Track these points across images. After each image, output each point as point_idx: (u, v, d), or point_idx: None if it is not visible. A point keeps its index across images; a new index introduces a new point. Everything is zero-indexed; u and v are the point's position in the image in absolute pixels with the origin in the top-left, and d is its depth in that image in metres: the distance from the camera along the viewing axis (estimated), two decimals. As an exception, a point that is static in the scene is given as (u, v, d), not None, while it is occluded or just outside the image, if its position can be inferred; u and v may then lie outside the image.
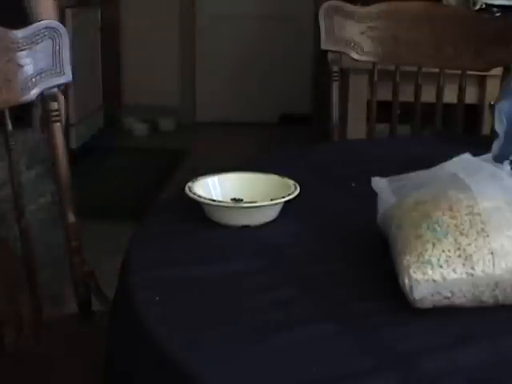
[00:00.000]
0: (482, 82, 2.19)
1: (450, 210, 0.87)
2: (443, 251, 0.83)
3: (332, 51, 1.79)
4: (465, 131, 1.90)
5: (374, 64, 1.81)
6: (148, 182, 4.21)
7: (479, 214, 0.86)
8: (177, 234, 1.07)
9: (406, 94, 1.82)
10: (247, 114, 5.47)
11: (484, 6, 2.20)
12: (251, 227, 1.06)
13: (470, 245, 0.83)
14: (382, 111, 1.84)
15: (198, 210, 1.08)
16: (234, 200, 1.10)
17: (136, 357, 0.85)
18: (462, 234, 0.84)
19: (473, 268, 0.82)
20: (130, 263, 0.98)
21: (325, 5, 1.78)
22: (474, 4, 2.21)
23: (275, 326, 0.82)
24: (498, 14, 2.17)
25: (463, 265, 0.82)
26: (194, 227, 1.07)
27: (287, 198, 1.07)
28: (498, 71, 1.81)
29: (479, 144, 1.20)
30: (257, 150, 4.63)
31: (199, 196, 1.07)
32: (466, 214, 0.86)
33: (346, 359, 0.76)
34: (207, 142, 5.20)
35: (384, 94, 1.83)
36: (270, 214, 1.08)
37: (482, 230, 0.84)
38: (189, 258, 0.99)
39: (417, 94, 1.81)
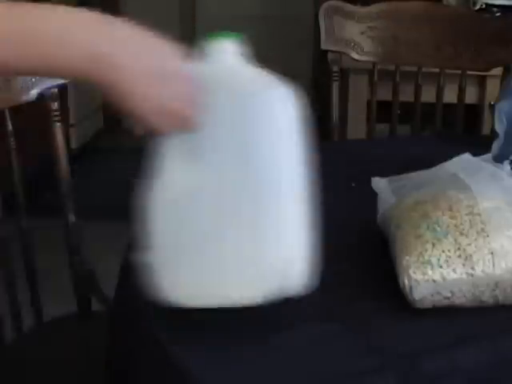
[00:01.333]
0: (482, 82, 2.18)
1: (450, 210, 0.87)
2: (443, 251, 0.83)
3: (332, 51, 1.79)
4: (465, 131, 1.90)
5: (374, 64, 1.81)
6: (148, 182, 4.20)
7: (479, 214, 0.86)
8: (177, 233, 1.06)
9: (406, 94, 1.82)
10: (247, 114, 5.46)
11: (484, 5, 2.19)
12: (251, 227, 1.06)
13: (469, 245, 0.83)
14: (381, 111, 1.84)
15: (198, 209, 1.08)
16: (234, 200, 1.10)
17: (136, 357, 0.85)
18: (461, 234, 0.84)
19: (473, 268, 0.82)
20: (130, 263, 0.98)
21: (325, 5, 1.78)
22: (474, 4, 2.21)
23: (275, 326, 0.82)
24: (498, 14, 2.17)
25: (463, 265, 0.82)
26: (194, 227, 1.07)
27: (287, 198, 1.07)
28: (497, 71, 1.81)
29: (479, 144, 1.20)
30: (257, 150, 4.62)
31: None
32: (466, 214, 0.86)
33: (346, 359, 0.76)
34: (207, 141, 5.19)
35: (384, 94, 1.83)
36: (270, 214, 1.08)
37: (482, 229, 0.84)
38: (189, 258, 0.99)
39: (417, 94, 1.81)
